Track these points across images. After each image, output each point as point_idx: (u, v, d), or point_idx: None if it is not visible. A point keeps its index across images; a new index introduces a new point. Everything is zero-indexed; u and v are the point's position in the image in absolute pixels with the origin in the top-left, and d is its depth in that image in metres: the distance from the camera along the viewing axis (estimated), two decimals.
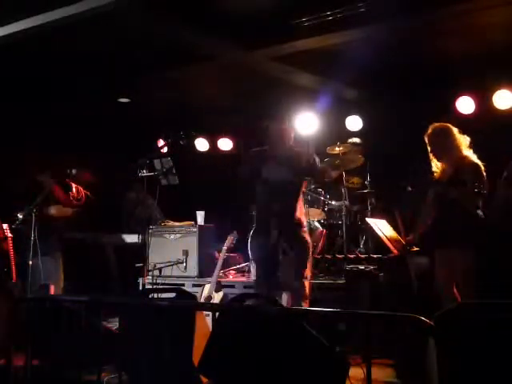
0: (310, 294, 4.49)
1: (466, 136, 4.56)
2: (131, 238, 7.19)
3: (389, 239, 5.14)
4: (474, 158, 4.47)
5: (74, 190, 6.21)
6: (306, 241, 4.62)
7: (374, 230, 5.42)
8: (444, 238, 4.36)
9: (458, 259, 4.28)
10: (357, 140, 7.11)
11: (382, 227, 5.35)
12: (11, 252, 5.47)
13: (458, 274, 4.29)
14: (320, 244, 6.20)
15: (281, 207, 4.53)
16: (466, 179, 4.21)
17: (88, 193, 6.37)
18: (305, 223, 4.73)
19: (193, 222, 6.49)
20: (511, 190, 4.74)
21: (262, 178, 4.66)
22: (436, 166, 4.62)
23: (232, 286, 5.90)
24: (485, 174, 4.39)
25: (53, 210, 6.09)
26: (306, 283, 4.46)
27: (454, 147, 4.47)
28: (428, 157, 4.68)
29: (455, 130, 4.54)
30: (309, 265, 4.57)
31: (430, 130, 4.59)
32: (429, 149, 4.59)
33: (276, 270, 4.54)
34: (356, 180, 7.06)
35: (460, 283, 4.30)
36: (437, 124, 4.61)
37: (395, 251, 5.16)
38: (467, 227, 4.31)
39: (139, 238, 5.73)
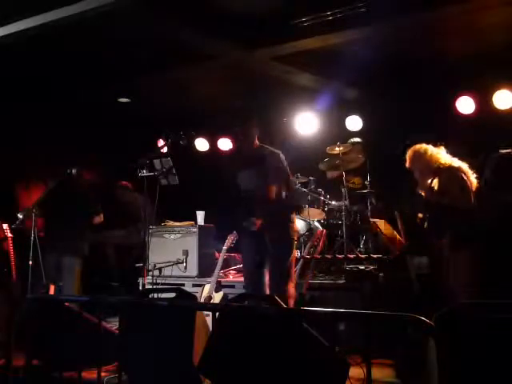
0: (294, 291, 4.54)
1: (440, 147, 4.62)
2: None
3: (389, 239, 5.15)
4: (450, 162, 4.54)
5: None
6: (291, 238, 4.61)
7: (373, 230, 5.43)
8: (450, 242, 4.41)
9: (461, 261, 4.30)
10: (357, 139, 7.12)
11: (381, 227, 5.37)
12: (11, 252, 5.47)
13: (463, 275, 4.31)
14: (320, 244, 6.20)
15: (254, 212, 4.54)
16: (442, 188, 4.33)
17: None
18: (292, 218, 4.69)
19: (193, 222, 6.49)
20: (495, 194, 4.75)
21: (236, 183, 4.73)
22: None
23: (232, 286, 5.91)
24: (463, 172, 4.45)
25: (98, 219, 6.16)
26: (291, 282, 4.48)
27: (431, 162, 4.57)
28: None
29: (427, 148, 4.61)
30: (292, 261, 4.58)
31: (407, 160, 4.71)
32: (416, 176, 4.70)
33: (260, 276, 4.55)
34: (357, 180, 7.06)
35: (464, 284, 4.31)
36: (409, 151, 4.71)
37: (396, 251, 5.17)
38: (458, 230, 4.36)
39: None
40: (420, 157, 4.61)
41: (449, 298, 4.29)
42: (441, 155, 4.61)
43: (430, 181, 4.57)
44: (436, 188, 4.52)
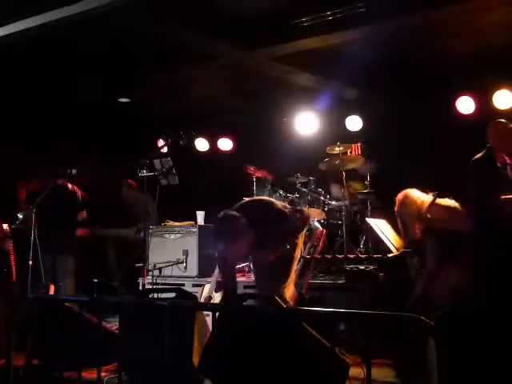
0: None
1: (426, 195, 4.57)
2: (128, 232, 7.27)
3: (388, 239, 5.14)
4: (442, 202, 4.54)
5: (70, 189, 6.25)
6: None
7: (374, 230, 5.42)
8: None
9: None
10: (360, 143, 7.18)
11: (381, 227, 5.36)
12: (11, 252, 5.47)
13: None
14: (320, 244, 6.20)
15: None
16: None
17: (84, 193, 6.39)
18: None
19: (193, 222, 6.49)
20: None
21: None
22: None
23: None
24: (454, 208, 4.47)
25: (82, 215, 6.19)
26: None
27: (422, 209, 4.54)
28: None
29: (419, 196, 4.58)
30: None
31: (396, 203, 4.68)
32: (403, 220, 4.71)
33: None
34: (358, 187, 7.02)
35: None
36: (399, 195, 4.68)
37: (395, 251, 5.16)
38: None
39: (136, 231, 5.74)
40: (411, 203, 4.56)
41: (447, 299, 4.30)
42: (426, 203, 4.51)
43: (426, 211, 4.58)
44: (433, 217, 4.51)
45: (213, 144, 8.56)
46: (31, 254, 5.44)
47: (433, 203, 4.45)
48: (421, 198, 4.60)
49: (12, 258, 5.45)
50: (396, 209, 4.71)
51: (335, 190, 6.95)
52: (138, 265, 5.68)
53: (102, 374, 3.56)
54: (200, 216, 6.54)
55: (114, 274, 7.49)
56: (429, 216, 4.43)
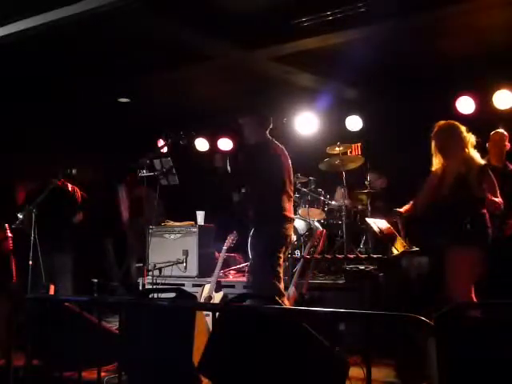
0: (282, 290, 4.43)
1: (472, 135, 4.51)
2: None
3: (387, 236, 5.14)
4: (479, 159, 4.46)
5: (70, 189, 6.25)
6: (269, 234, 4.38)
7: (374, 230, 5.42)
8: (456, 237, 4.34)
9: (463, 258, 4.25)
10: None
11: (381, 227, 5.36)
12: (11, 252, 5.47)
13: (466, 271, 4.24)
14: (320, 244, 6.20)
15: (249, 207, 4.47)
16: (471, 183, 4.22)
17: (84, 193, 6.39)
18: (288, 220, 4.48)
19: (193, 222, 6.49)
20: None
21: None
22: (437, 163, 4.58)
23: (232, 286, 5.91)
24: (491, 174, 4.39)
25: (78, 217, 6.21)
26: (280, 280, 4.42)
27: (460, 146, 4.44)
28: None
29: (462, 128, 4.51)
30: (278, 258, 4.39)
31: (436, 128, 4.56)
32: (433, 145, 4.56)
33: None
34: (364, 198, 7.01)
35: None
36: (444, 122, 4.56)
37: (395, 251, 5.17)
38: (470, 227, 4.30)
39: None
40: (454, 135, 4.42)
41: (448, 298, 4.28)
42: (471, 144, 4.43)
43: (445, 164, 4.46)
44: (454, 177, 4.40)
45: (213, 144, 8.56)
46: (31, 254, 5.43)
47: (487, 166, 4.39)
48: (466, 136, 4.44)
49: (12, 258, 5.45)
50: (433, 133, 4.51)
51: (339, 195, 6.94)
52: (138, 265, 5.68)
53: (102, 374, 3.57)
54: (200, 216, 6.54)
55: (113, 272, 7.49)
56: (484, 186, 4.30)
